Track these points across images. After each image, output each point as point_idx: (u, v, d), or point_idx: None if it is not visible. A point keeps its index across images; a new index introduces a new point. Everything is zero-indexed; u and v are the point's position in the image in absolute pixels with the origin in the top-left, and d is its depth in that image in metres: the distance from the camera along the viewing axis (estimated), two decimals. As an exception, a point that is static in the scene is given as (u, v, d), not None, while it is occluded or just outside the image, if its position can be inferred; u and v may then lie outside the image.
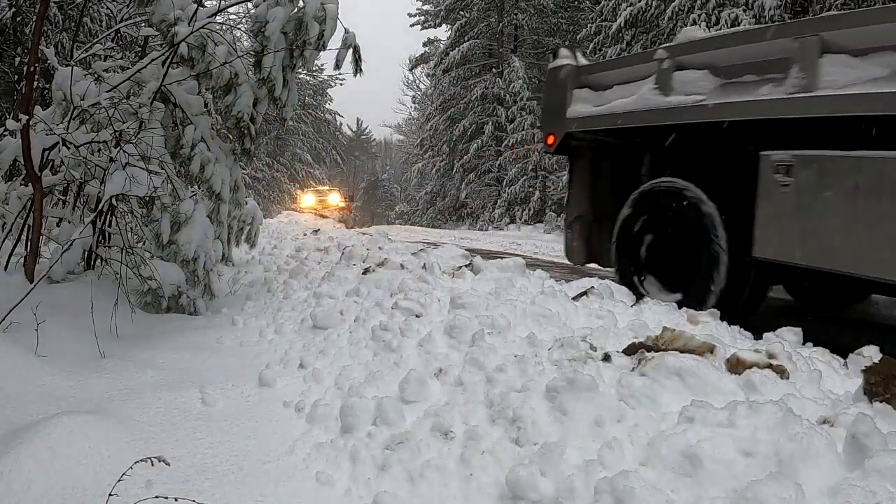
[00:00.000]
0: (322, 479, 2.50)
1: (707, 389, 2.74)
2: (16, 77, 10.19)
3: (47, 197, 5.22)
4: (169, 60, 5.34)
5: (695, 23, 15.88)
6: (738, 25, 15.06)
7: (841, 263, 4.11)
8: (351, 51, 5.41)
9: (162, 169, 4.94)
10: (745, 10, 15.24)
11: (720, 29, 15.20)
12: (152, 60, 5.44)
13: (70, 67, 4.96)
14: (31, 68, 4.67)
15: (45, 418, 2.46)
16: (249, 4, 6.55)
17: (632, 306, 4.64)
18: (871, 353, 3.39)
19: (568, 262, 6.75)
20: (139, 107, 5.10)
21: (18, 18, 10.03)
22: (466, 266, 6.12)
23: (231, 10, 11.00)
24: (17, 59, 10.16)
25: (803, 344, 3.80)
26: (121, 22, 7.76)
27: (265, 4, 5.37)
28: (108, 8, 9.96)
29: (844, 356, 3.53)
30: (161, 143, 5.11)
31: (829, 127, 4.13)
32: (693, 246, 5.02)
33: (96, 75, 5.29)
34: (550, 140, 6.26)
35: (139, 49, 7.52)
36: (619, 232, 5.68)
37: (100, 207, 4.98)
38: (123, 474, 2.02)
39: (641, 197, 5.47)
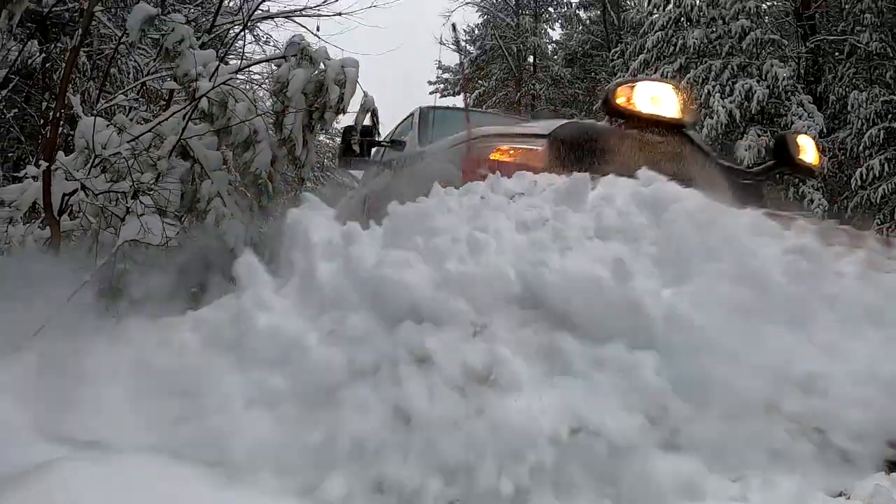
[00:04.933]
0: None
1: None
2: (41, 121, 10.37)
3: (64, 241, 5.26)
4: (189, 114, 5.44)
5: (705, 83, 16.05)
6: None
7: None
8: (369, 115, 5.54)
9: (178, 221, 4.99)
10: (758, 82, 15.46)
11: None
12: (173, 114, 5.54)
13: (94, 117, 5.06)
14: (58, 114, 4.76)
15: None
16: (272, 65, 6.71)
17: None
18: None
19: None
20: (158, 159, 5.18)
21: (48, 64, 10.26)
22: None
23: (253, 69, 11.29)
24: (44, 104, 10.35)
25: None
26: (147, 75, 7.94)
27: (287, 65, 5.49)
28: (135, 60, 10.20)
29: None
30: (177, 197, 5.18)
31: None
32: None
33: (119, 126, 5.39)
34: None
35: (163, 102, 7.70)
36: None
37: (113, 252, 5.01)
38: None
39: None
